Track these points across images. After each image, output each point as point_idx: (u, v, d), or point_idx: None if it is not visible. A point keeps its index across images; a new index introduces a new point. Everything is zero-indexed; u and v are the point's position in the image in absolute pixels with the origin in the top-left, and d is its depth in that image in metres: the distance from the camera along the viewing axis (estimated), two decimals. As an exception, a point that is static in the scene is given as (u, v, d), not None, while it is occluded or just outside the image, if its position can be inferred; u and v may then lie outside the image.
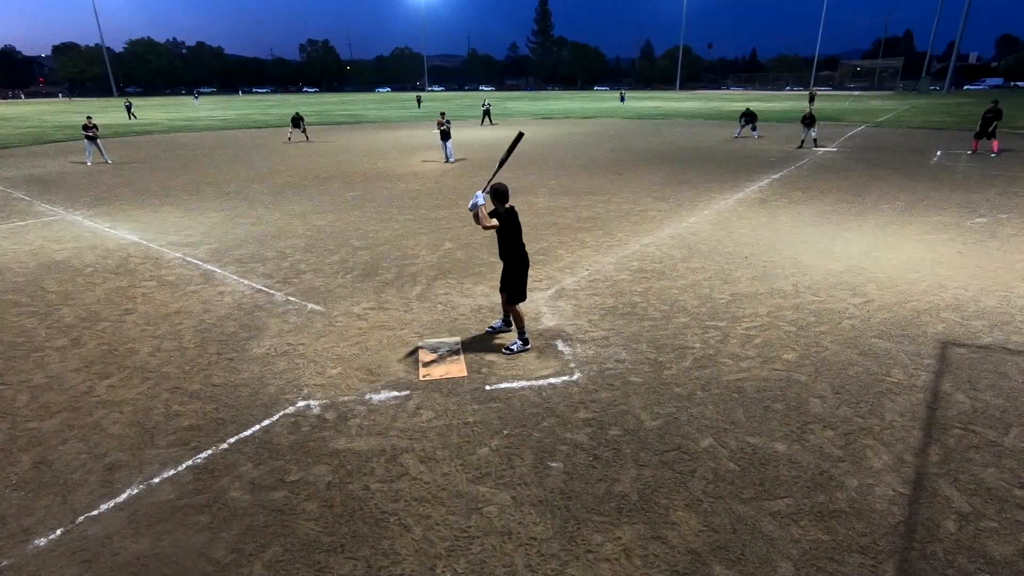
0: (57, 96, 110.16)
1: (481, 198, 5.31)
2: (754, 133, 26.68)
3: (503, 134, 29.92)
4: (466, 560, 3.35)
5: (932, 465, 4.08)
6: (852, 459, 4.15)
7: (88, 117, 21.22)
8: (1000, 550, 3.35)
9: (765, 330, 6.25)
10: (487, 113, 36.36)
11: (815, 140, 22.47)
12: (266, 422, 4.69)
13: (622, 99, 67.63)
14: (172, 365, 5.67)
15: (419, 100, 64.15)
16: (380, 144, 26.01)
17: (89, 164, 19.87)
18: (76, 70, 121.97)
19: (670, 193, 13.89)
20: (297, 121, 27.69)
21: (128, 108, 45.74)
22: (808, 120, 22.29)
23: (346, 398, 5.04)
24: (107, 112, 54.26)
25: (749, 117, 26.53)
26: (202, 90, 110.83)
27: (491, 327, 6.36)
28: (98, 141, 20.58)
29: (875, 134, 27.19)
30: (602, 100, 73.30)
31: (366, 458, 4.25)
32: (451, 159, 19.44)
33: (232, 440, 4.47)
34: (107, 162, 20.35)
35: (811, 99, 51.37)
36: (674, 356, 5.70)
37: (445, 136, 19.41)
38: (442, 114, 20.24)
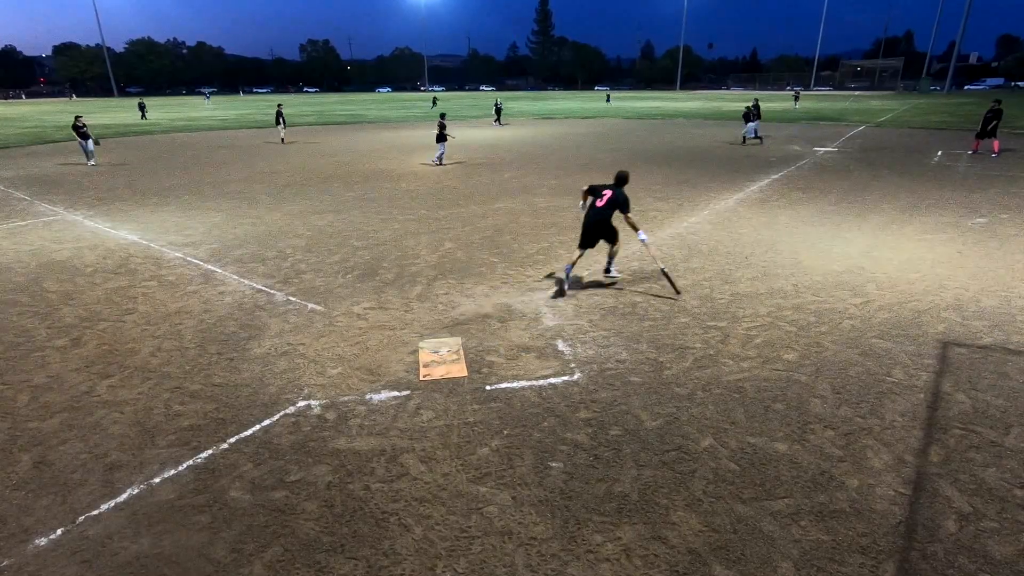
0: (70, 96, 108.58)
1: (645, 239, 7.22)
2: (755, 135, 23.43)
3: (508, 135, 29.93)
4: (466, 560, 3.35)
5: (932, 465, 4.08)
6: (852, 459, 4.15)
7: (76, 117, 20.16)
8: (1001, 550, 3.35)
9: (765, 330, 6.25)
10: (499, 112, 36.36)
11: (756, 134, 23.30)
12: (266, 422, 4.69)
13: (608, 99, 68.28)
14: (172, 365, 5.68)
15: (435, 100, 64.15)
16: (380, 144, 26.00)
17: (91, 164, 19.74)
18: (77, 70, 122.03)
19: (670, 193, 13.88)
20: (280, 118, 26.22)
21: (141, 108, 45.41)
22: (751, 116, 22.99)
23: (346, 398, 5.04)
24: (108, 112, 54.29)
25: (750, 114, 23.38)
26: (203, 90, 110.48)
27: (567, 272, 7.39)
28: (89, 142, 19.76)
29: (875, 134, 27.19)
30: (601, 100, 73.31)
31: (366, 458, 4.25)
32: (442, 162, 19.09)
33: (232, 440, 4.47)
34: (91, 164, 19.53)
35: (796, 98, 52.21)
36: (674, 356, 5.70)
37: (440, 139, 19.20)
38: (442, 115, 20.15)
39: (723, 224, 10.83)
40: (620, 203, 7.08)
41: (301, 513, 3.73)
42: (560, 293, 7.32)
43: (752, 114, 23.57)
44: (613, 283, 7.64)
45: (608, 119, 40.82)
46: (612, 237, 7.35)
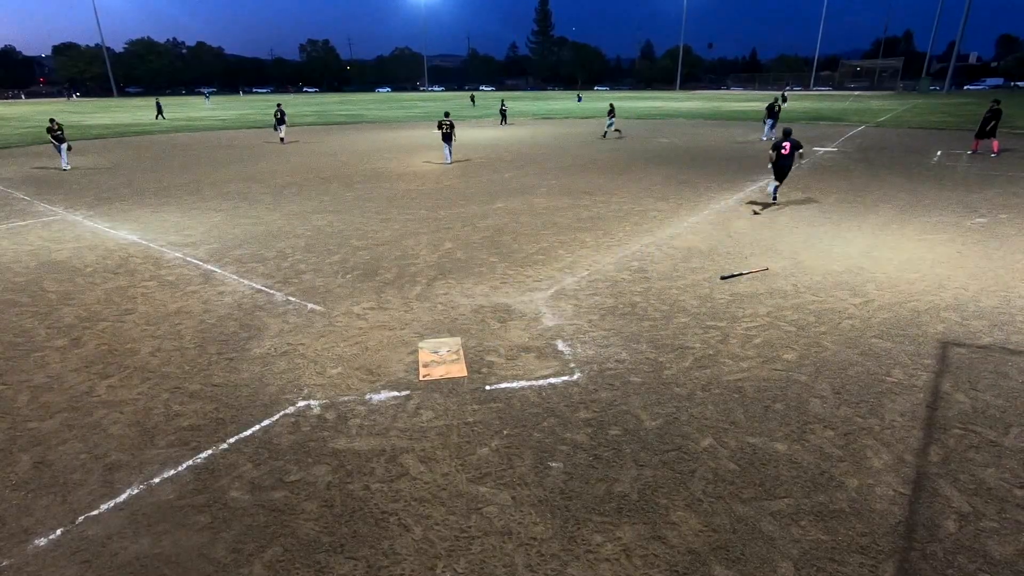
0: (72, 96, 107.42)
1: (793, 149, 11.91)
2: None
3: (508, 135, 29.93)
4: (466, 560, 3.35)
5: (932, 465, 4.09)
6: (852, 459, 4.15)
7: (51, 120, 19.39)
8: (1000, 550, 3.35)
9: (765, 330, 6.25)
10: (504, 114, 36.53)
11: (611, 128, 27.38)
12: (266, 422, 4.69)
13: (579, 99, 68.48)
14: (172, 365, 5.68)
15: (473, 99, 64.69)
16: (380, 144, 26.00)
17: (65, 167, 18.78)
18: (76, 70, 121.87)
19: (670, 193, 13.89)
20: (281, 117, 25.71)
21: (159, 107, 45.06)
22: (611, 113, 27.50)
23: (346, 398, 5.04)
24: (109, 112, 54.31)
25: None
26: (203, 90, 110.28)
27: (774, 192, 12.27)
28: (63, 145, 18.92)
29: (875, 134, 27.19)
30: (601, 100, 73.25)
31: (366, 458, 4.25)
32: (448, 160, 19.23)
33: (232, 440, 4.47)
34: (65, 169, 18.82)
35: (783, 99, 52.74)
36: (674, 356, 5.70)
37: (447, 138, 19.22)
38: (446, 113, 20.07)
39: (723, 224, 10.83)
40: (796, 147, 11.68)
41: (301, 513, 3.73)
42: (771, 204, 12.08)
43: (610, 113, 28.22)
44: (774, 204, 12.17)
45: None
46: (786, 175, 12.08)
